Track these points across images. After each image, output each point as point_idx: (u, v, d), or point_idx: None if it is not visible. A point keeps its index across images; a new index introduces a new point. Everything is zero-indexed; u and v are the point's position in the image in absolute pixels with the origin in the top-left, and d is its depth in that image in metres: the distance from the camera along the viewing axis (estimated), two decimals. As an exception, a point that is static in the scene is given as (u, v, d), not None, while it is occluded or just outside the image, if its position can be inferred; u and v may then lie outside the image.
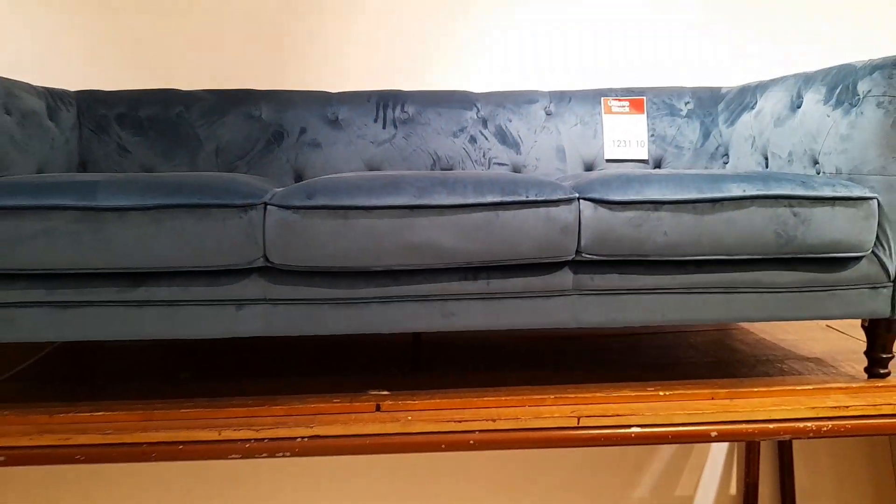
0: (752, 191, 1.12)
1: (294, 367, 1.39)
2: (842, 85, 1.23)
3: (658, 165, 1.66)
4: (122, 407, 1.15)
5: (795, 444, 1.94)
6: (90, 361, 1.45)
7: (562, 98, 1.66)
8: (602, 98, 1.64)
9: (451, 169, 1.62)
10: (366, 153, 1.60)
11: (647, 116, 1.65)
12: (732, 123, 1.59)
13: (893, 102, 1.14)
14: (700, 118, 1.65)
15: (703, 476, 1.96)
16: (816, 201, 1.13)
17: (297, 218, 1.07)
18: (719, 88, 1.68)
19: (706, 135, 1.64)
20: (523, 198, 1.10)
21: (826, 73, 1.29)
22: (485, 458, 1.90)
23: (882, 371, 1.25)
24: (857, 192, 1.14)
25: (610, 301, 1.16)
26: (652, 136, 1.64)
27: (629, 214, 1.11)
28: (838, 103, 1.23)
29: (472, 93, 1.67)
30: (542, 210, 1.11)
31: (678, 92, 1.68)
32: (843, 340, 1.54)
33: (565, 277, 1.15)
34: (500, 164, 1.62)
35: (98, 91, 1.59)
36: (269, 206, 1.08)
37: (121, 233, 1.04)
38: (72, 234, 1.04)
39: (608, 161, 1.63)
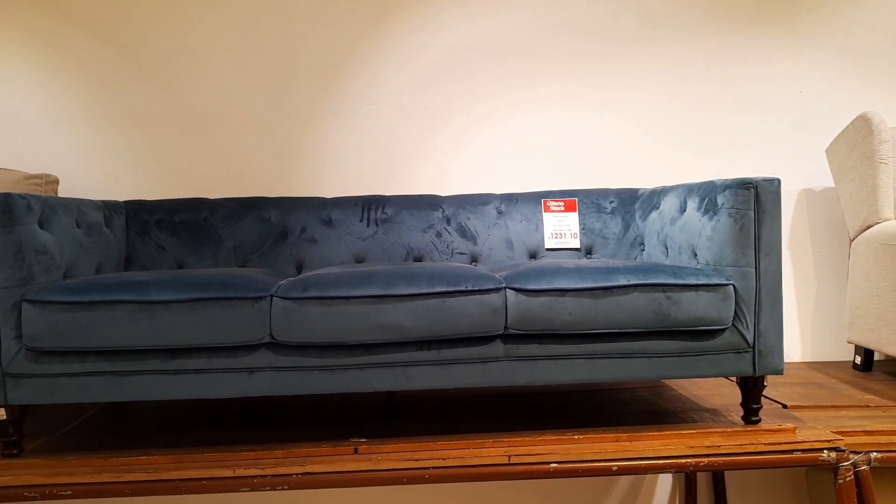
0: (634, 280, 1.50)
1: (291, 420, 1.74)
2: (708, 197, 1.62)
3: (589, 252, 2.05)
4: (157, 452, 1.50)
5: (729, 481, 2.25)
6: (130, 418, 1.81)
7: (510, 199, 2.07)
8: (542, 199, 2.05)
9: (421, 258, 2.01)
10: (353, 247, 2.00)
11: (579, 213, 2.05)
12: (645, 219, 1.99)
13: (740, 213, 1.53)
14: (621, 214, 2.05)
15: (648, 513, 2.26)
16: (684, 288, 1.50)
17: (294, 306, 1.45)
18: (636, 190, 2.09)
19: (626, 227, 2.04)
20: (463, 288, 1.48)
21: (700, 186, 1.69)
22: (450, 497, 2.22)
23: (754, 419, 1.60)
24: (715, 280, 1.51)
25: (532, 365, 1.52)
26: (583, 229, 2.04)
27: (542, 300, 1.49)
28: (706, 211, 1.62)
29: (438, 196, 2.08)
30: (478, 297, 1.49)
31: (604, 193, 2.08)
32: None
33: (497, 348, 1.52)
34: (460, 253, 2.01)
35: (143, 201, 2.01)
36: (274, 297, 1.46)
37: (166, 319, 1.43)
38: (130, 321, 1.42)
39: (548, 250, 2.02)
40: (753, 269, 1.53)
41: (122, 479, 1.44)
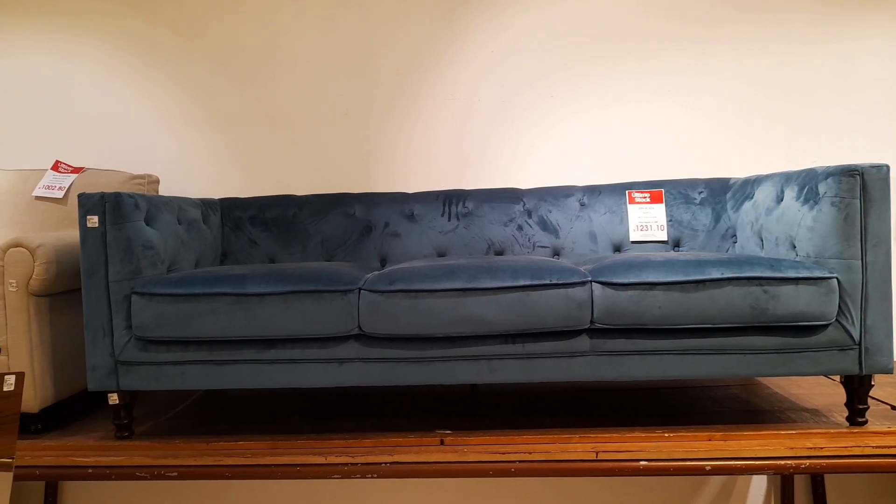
0: (728, 273, 1.44)
1: (379, 410, 1.78)
2: (808, 186, 1.54)
3: (677, 245, 1.98)
4: (254, 439, 1.57)
5: (829, 485, 2.12)
6: (228, 405, 1.91)
7: (593, 192, 2.03)
8: (627, 191, 2.00)
9: (502, 252, 2.01)
10: (435, 241, 2.02)
11: (666, 205, 1.98)
12: (738, 210, 1.90)
13: (844, 202, 1.44)
14: (712, 205, 1.97)
15: (740, 517, 2.17)
16: (783, 281, 1.43)
17: (381, 299, 1.48)
18: (727, 179, 2.00)
19: (717, 219, 1.96)
20: (547, 281, 1.47)
21: (799, 174, 1.60)
22: (535, 492, 2.21)
23: (860, 420, 1.50)
24: (817, 273, 1.43)
25: (619, 361, 1.49)
26: (670, 220, 1.97)
27: (630, 293, 1.46)
28: (806, 200, 1.53)
29: (519, 189, 2.07)
30: (563, 291, 1.47)
31: (692, 183, 2.01)
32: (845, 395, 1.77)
33: (583, 342, 1.49)
34: (542, 247, 1.99)
35: (236, 198, 2.11)
36: (362, 291, 1.50)
37: (261, 311, 1.49)
38: (229, 312, 1.50)
39: (633, 243, 1.97)
40: (860, 262, 1.44)
41: (223, 463, 1.52)
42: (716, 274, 1.44)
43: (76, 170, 2.15)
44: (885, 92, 2.21)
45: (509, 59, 2.27)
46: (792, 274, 1.43)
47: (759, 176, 1.84)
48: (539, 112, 2.27)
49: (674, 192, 2.00)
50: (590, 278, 1.48)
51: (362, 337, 1.51)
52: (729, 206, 1.96)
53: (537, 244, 2.00)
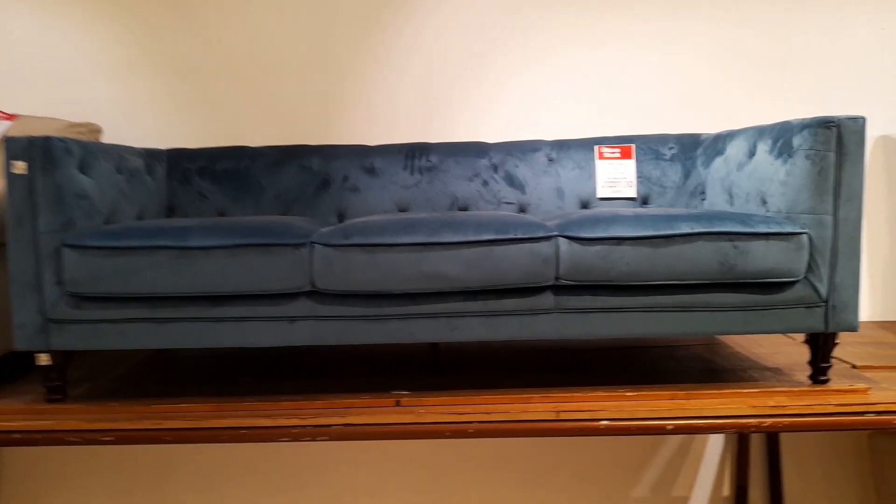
0: (698, 228, 1.39)
1: (333, 371, 1.71)
2: (782, 139, 1.48)
3: (646, 202, 1.92)
4: (198, 401, 1.48)
5: (784, 445, 2.14)
6: (173, 367, 1.81)
7: (562, 146, 1.95)
8: (596, 146, 1.93)
9: (466, 208, 1.92)
10: (396, 196, 1.93)
11: (636, 161, 1.92)
12: (708, 166, 1.85)
13: (818, 155, 1.39)
14: (682, 161, 1.92)
15: (698, 477, 2.18)
16: (753, 237, 1.38)
17: (336, 253, 1.39)
18: (699, 135, 1.94)
19: (687, 175, 1.90)
20: (512, 236, 1.40)
21: (773, 127, 1.55)
22: (494, 453, 2.18)
23: (822, 378, 1.48)
24: (788, 228, 1.39)
25: (585, 318, 1.44)
26: (640, 177, 1.91)
27: (597, 248, 1.39)
28: (780, 154, 1.48)
29: (485, 143, 1.98)
30: (528, 246, 1.40)
31: (663, 139, 1.95)
32: (807, 354, 1.76)
33: (548, 299, 1.43)
34: (508, 203, 1.92)
35: (184, 149, 1.98)
36: (315, 244, 1.41)
37: (206, 265, 1.39)
38: (171, 267, 1.39)
39: (601, 199, 1.91)
40: (831, 217, 1.40)
41: (163, 427, 1.43)
42: (685, 229, 1.39)
43: (9, 117, 1.99)
44: (866, 46, 2.17)
45: (477, 4, 2.16)
46: (763, 229, 1.38)
47: (732, 131, 1.79)
48: (509, 62, 2.16)
49: (644, 148, 1.94)
50: (556, 233, 1.42)
51: (315, 294, 1.42)
52: (699, 162, 1.90)
53: (503, 200, 1.92)
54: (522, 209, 1.93)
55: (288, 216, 1.83)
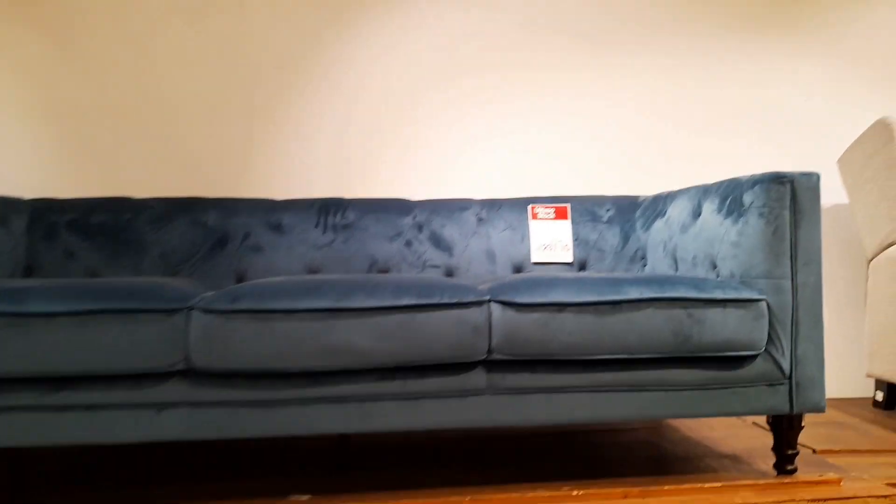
0: (649, 293, 1.21)
1: (215, 470, 1.39)
2: (731, 196, 1.36)
3: (583, 268, 1.76)
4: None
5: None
6: (19, 466, 1.44)
7: (493, 206, 1.78)
8: (530, 206, 1.77)
9: (388, 272, 1.70)
10: (306, 257, 1.68)
11: (572, 222, 1.76)
12: (648, 229, 1.72)
13: (773, 213, 1.26)
14: (620, 224, 1.78)
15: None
16: (709, 303, 1.22)
17: (220, 321, 1.12)
18: (636, 197, 1.82)
19: (626, 239, 1.76)
20: (437, 300, 1.17)
21: (719, 185, 1.42)
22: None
23: (789, 468, 1.30)
24: (745, 294, 1.23)
25: (522, 400, 1.21)
26: (576, 240, 1.75)
27: (536, 316, 1.19)
28: (729, 213, 1.35)
29: (409, 200, 1.78)
30: (455, 312, 1.18)
31: (599, 200, 1.81)
32: (763, 437, 1.59)
33: (479, 377, 1.20)
34: (434, 266, 1.71)
35: (52, 199, 1.67)
36: (193, 311, 1.14)
37: (47, 337, 1.09)
38: (0, 340, 1.08)
39: (535, 264, 1.73)
40: (790, 282, 1.26)
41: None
42: (634, 294, 1.21)
43: None
44: (789, 117, 2.15)
45: (406, 62, 2.01)
46: (719, 295, 1.22)
47: (672, 192, 1.66)
48: (435, 116, 2.01)
49: (580, 209, 1.79)
50: (488, 297, 1.21)
51: (191, 373, 1.14)
52: (638, 225, 1.77)
53: (428, 263, 1.71)
54: (450, 273, 1.72)
55: (167, 278, 1.54)
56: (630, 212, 1.79)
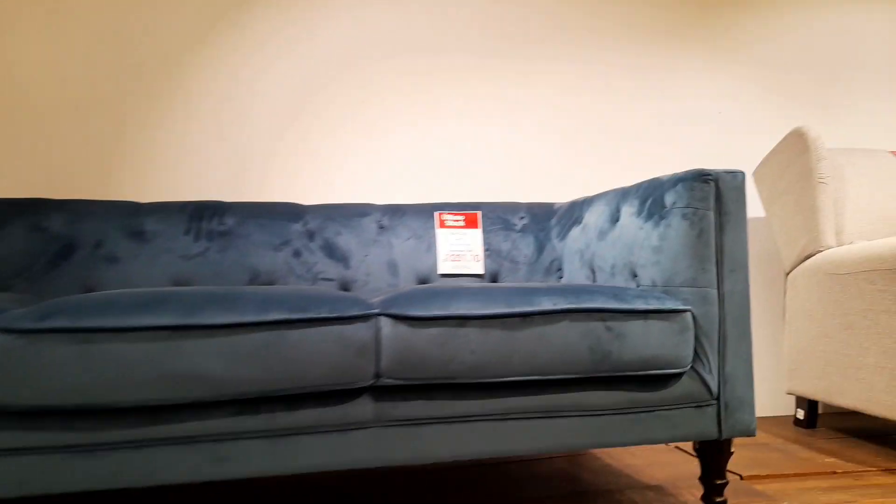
0: (563, 304, 1.05)
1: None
2: (651, 198, 1.23)
3: (495, 280, 1.60)
4: None
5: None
6: None
7: (395, 212, 1.59)
8: (437, 212, 1.59)
9: (272, 285, 1.47)
10: (172, 268, 1.43)
11: (483, 231, 1.60)
12: (564, 237, 1.57)
13: (697, 214, 1.13)
14: (534, 233, 1.63)
15: None
16: (629, 315, 1.07)
17: (22, 343, 0.87)
18: (552, 204, 1.68)
19: (540, 249, 1.61)
20: (313, 315, 0.97)
21: (639, 187, 1.30)
22: None
23: (718, 499, 1.16)
24: (669, 305, 1.09)
25: (417, 433, 1.02)
26: (488, 250, 1.59)
27: (433, 331, 1.00)
28: (649, 216, 1.22)
29: (299, 205, 1.57)
30: (336, 329, 0.97)
31: (513, 207, 1.66)
32: (687, 463, 1.46)
33: (365, 407, 1.00)
34: (327, 279, 1.49)
35: None
36: (-11, 331, 0.88)
37: None
38: None
39: (442, 276, 1.55)
40: (716, 291, 1.13)
41: None
42: (547, 305, 1.04)
43: None
44: (703, 130, 2.10)
45: (309, 61, 1.81)
46: (640, 305, 1.08)
47: (588, 197, 1.53)
48: (337, 118, 1.81)
49: (492, 217, 1.63)
50: (377, 311, 1.01)
51: (-16, 411, 0.88)
52: (554, 233, 1.63)
53: (321, 275, 1.50)
54: (346, 286, 1.51)
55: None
56: (545, 220, 1.65)
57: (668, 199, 1.17)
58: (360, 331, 0.98)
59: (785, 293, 1.96)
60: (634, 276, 1.26)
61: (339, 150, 1.80)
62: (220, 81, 1.76)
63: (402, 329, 0.99)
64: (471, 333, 1.01)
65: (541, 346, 1.03)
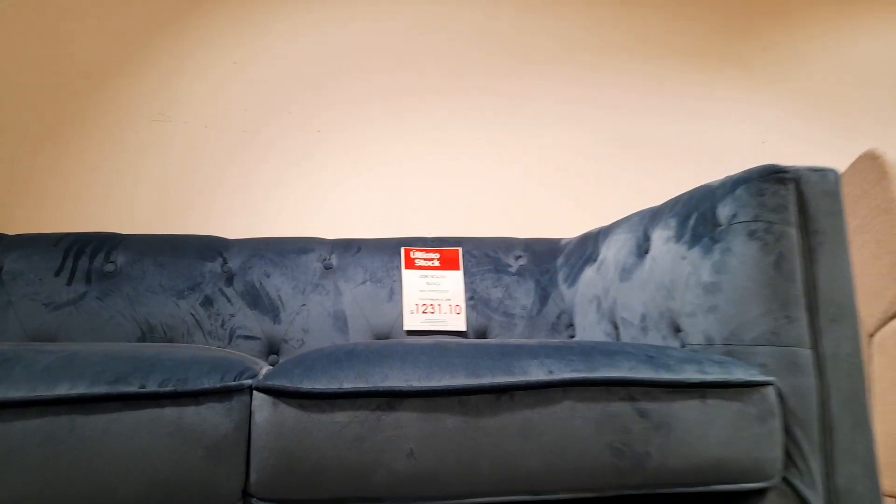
0: (565, 373, 0.63)
1: None
2: (697, 213, 0.82)
3: (482, 339, 1.18)
4: None
5: None
6: None
7: (347, 247, 1.20)
8: (403, 248, 1.20)
9: (171, 342, 1.08)
10: (34, 320, 1.04)
11: (465, 273, 1.20)
12: (574, 282, 1.16)
13: (772, 231, 0.72)
14: (535, 276, 1.22)
15: None
16: (675, 391, 0.65)
17: None
18: (557, 240, 1.28)
19: (544, 298, 1.20)
20: (130, 389, 0.57)
21: (675, 201, 0.90)
22: None
23: None
24: (739, 374, 0.67)
25: None
26: (472, 299, 1.18)
27: (342, 418, 0.59)
28: (695, 239, 0.81)
29: (218, 238, 1.19)
30: (171, 412, 0.57)
31: (506, 244, 1.26)
32: None
33: (223, 549, 0.58)
34: (246, 336, 1.09)
35: None
36: None
37: None
38: None
39: (409, 333, 1.14)
40: (810, 351, 0.71)
41: None
42: (538, 373, 0.63)
43: None
44: (746, 161, 1.71)
45: (260, 75, 1.49)
46: (692, 375, 0.66)
47: (605, 226, 1.14)
48: (297, 147, 1.46)
49: (477, 256, 1.23)
50: (250, 382, 0.61)
51: None
52: (561, 277, 1.22)
53: (239, 332, 1.10)
54: (274, 349, 1.11)
55: None
56: (549, 259, 1.24)
57: (724, 211, 0.77)
58: (214, 416, 0.58)
59: (870, 361, 1.51)
60: (678, 330, 0.84)
61: (282, 177, 1.44)
62: (147, 97, 1.43)
63: (290, 414, 0.59)
64: (407, 422, 0.60)
65: (528, 444, 0.61)
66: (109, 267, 1.10)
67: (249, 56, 1.50)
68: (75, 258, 1.09)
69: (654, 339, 0.88)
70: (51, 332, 1.04)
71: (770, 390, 0.68)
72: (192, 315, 1.08)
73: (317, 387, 0.59)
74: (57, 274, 1.07)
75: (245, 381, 0.60)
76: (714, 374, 0.66)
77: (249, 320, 1.10)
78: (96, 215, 1.34)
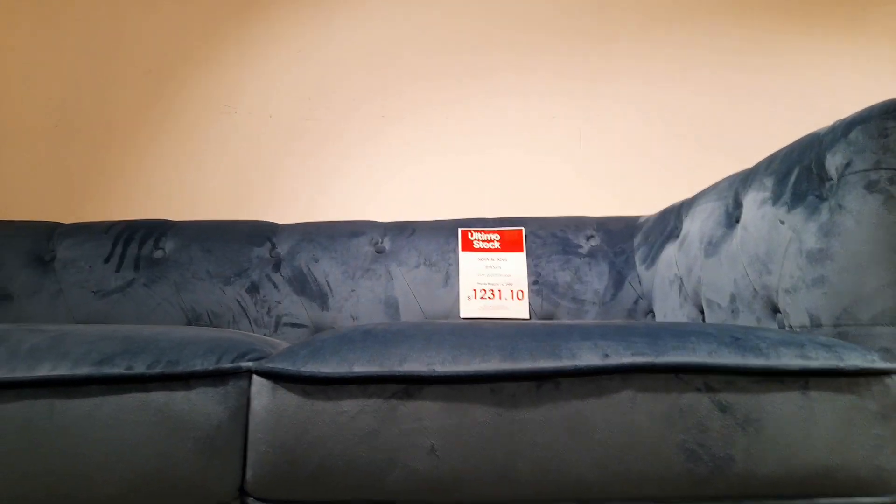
0: (624, 357, 0.51)
1: None
2: (799, 166, 0.67)
3: (547, 328, 1.06)
4: None
5: None
6: None
7: (401, 231, 1.12)
8: (460, 229, 1.10)
9: (217, 333, 1.04)
10: (84, 308, 1.03)
11: (529, 255, 1.09)
12: (654, 262, 1.02)
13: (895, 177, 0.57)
14: (609, 258, 1.08)
15: None
16: (766, 379, 0.51)
17: None
18: (635, 218, 1.14)
19: (619, 281, 1.06)
20: (117, 371, 0.50)
21: (772, 158, 0.75)
22: None
23: None
24: (853, 360, 0.52)
25: None
26: (536, 283, 1.07)
27: (352, 406, 0.50)
28: (797, 199, 0.66)
29: (267, 223, 1.14)
30: (159, 398, 0.50)
31: (577, 223, 1.13)
32: None
33: (218, 555, 0.51)
34: (293, 324, 1.03)
35: None
36: None
37: None
38: None
39: (466, 320, 1.04)
40: (955, 333, 0.55)
41: None
42: (591, 357, 0.51)
43: None
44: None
45: (325, 63, 1.45)
46: (791, 361, 0.52)
47: (690, 198, 0.99)
48: (359, 134, 1.40)
49: (543, 237, 1.11)
50: (250, 365, 0.53)
51: None
52: (639, 258, 1.07)
53: (284, 319, 1.04)
54: (321, 337, 1.04)
55: None
56: (624, 239, 1.10)
57: (835, 160, 0.62)
58: (206, 403, 0.50)
59: None
60: (775, 311, 0.69)
61: (370, 169, 1.38)
62: (211, 88, 1.42)
63: (290, 401, 0.50)
64: (428, 413, 0.50)
65: (576, 443, 0.49)
66: (158, 253, 1.07)
67: (313, 44, 1.46)
68: (125, 245, 1.07)
69: (747, 322, 0.74)
70: (98, 320, 1.02)
71: (895, 380, 0.52)
72: (238, 302, 1.04)
73: (322, 370, 0.51)
74: (106, 261, 1.06)
75: (244, 364, 0.53)
76: (820, 360, 0.52)
77: (296, 307, 1.04)
78: (161, 207, 1.34)
